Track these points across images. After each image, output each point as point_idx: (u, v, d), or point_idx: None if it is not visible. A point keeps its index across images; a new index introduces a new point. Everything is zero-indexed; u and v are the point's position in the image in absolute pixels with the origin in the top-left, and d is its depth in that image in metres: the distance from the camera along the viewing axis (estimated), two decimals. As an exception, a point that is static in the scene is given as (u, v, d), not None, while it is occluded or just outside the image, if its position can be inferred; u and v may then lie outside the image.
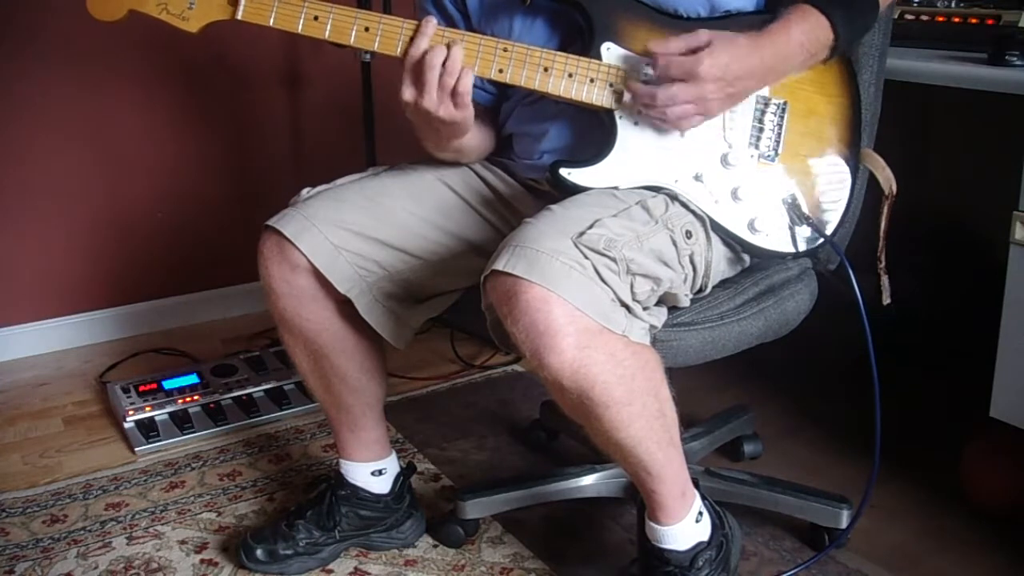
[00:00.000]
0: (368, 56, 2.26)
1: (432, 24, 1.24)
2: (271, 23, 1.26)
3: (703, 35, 1.21)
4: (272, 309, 1.43)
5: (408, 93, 1.25)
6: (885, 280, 1.41)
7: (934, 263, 2.16)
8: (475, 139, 1.41)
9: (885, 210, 1.40)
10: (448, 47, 1.23)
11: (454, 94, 1.24)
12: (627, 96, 1.26)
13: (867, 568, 1.53)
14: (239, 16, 1.26)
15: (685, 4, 1.30)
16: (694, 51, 1.20)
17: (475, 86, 1.43)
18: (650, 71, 1.27)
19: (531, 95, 1.38)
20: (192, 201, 2.50)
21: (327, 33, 1.26)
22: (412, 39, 1.24)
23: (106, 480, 1.83)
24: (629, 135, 1.28)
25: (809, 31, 1.25)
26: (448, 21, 1.39)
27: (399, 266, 1.41)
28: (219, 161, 2.53)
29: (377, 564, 1.57)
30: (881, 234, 1.40)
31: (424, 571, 1.55)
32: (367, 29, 1.25)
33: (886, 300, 1.40)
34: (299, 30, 1.26)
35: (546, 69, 1.27)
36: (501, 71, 1.27)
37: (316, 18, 1.25)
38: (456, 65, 1.22)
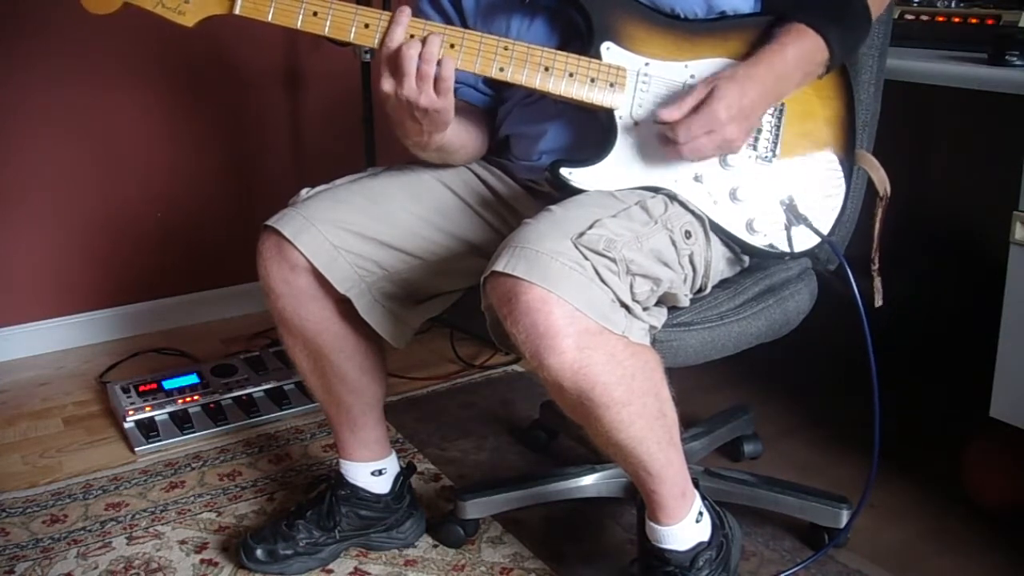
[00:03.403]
0: (368, 55, 2.26)
1: (407, 13, 1.23)
2: (269, 18, 1.23)
3: (701, 87, 1.22)
4: (272, 309, 1.43)
5: (387, 84, 1.23)
6: (878, 282, 1.41)
7: (934, 263, 2.15)
8: (458, 137, 1.39)
9: (879, 212, 1.40)
10: (424, 37, 1.21)
11: (437, 80, 1.22)
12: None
13: (867, 568, 1.53)
14: (237, 11, 1.23)
15: (682, 4, 1.30)
16: (703, 103, 1.21)
17: (469, 85, 1.43)
18: (651, 72, 1.27)
19: (530, 96, 1.38)
20: (192, 201, 2.51)
21: (327, 29, 1.24)
22: (387, 29, 1.23)
23: (106, 480, 1.83)
24: (629, 136, 1.28)
25: (805, 51, 1.25)
26: (445, 20, 1.39)
27: (398, 266, 1.41)
28: (219, 161, 2.53)
29: (377, 564, 1.57)
30: (875, 236, 1.41)
31: (424, 571, 1.55)
32: (367, 26, 1.24)
33: (879, 302, 1.40)
34: (298, 25, 1.23)
35: (547, 68, 1.27)
36: (502, 69, 1.26)
37: (315, 14, 1.23)
38: (433, 52, 1.21)
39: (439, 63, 1.21)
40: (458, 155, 1.44)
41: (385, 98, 1.25)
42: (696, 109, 1.21)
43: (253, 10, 1.23)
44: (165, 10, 1.23)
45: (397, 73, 1.22)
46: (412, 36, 1.22)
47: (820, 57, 1.26)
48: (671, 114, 1.21)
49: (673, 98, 1.25)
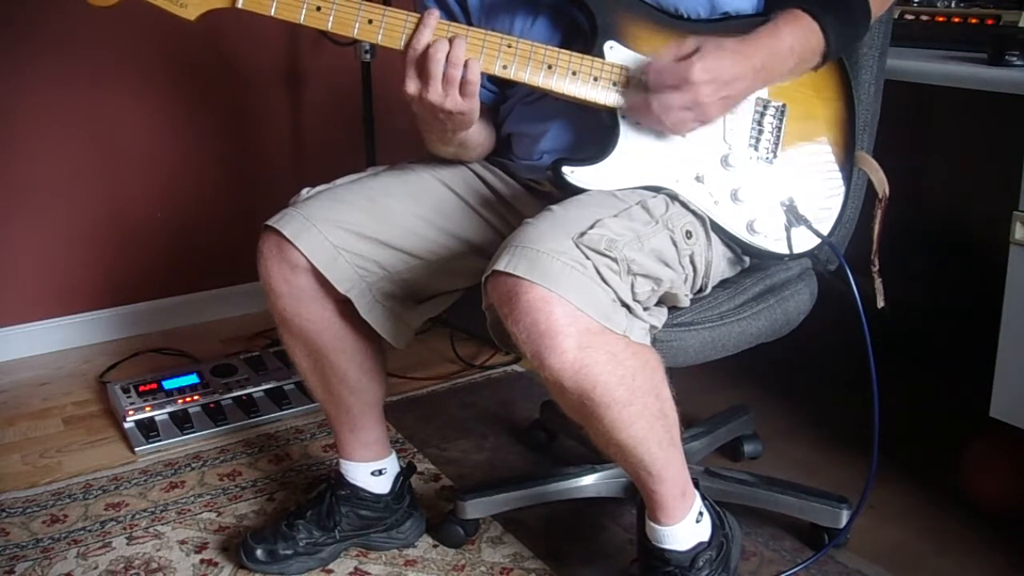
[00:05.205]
0: (368, 55, 2.26)
1: (435, 16, 1.23)
2: (272, 13, 1.22)
3: (691, 41, 1.21)
4: (272, 309, 1.43)
5: (412, 86, 1.24)
6: (879, 283, 1.41)
7: (934, 263, 2.16)
8: (479, 134, 1.40)
9: (878, 213, 1.40)
10: (450, 40, 1.22)
11: (463, 83, 1.23)
12: (624, 106, 1.26)
13: (867, 568, 1.53)
14: (239, 4, 1.22)
15: (686, 4, 1.30)
16: (685, 58, 1.20)
17: None
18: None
19: (531, 94, 1.38)
20: (192, 201, 2.51)
21: (330, 24, 1.23)
22: (415, 32, 1.23)
23: (106, 480, 1.83)
24: (631, 135, 1.28)
25: (800, 36, 1.25)
26: (449, 16, 1.39)
27: (399, 266, 1.41)
28: (219, 161, 2.53)
29: (377, 564, 1.57)
30: (874, 237, 1.41)
31: (424, 571, 1.55)
32: (370, 21, 1.23)
33: (880, 303, 1.40)
34: (301, 20, 1.23)
35: (550, 67, 1.26)
36: (505, 67, 1.26)
37: (319, 9, 1.22)
38: (460, 56, 1.21)
39: (465, 66, 1.22)
40: (476, 151, 1.44)
41: (410, 100, 1.25)
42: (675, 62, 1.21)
43: (256, 4, 1.22)
44: (167, 3, 1.23)
45: (423, 76, 1.22)
46: (437, 38, 1.22)
47: (816, 44, 1.25)
48: (650, 65, 1.22)
49: (668, 37, 1.25)
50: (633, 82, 1.26)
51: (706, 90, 1.19)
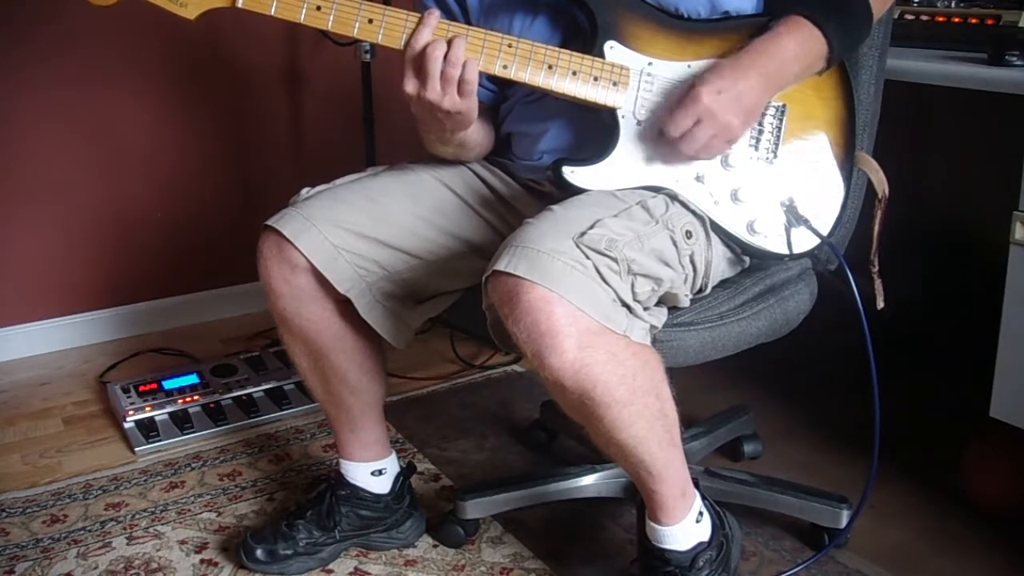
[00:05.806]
0: (368, 55, 2.26)
1: (435, 16, 1.23)
2: (272, 12, 1.22)
3: (689, 82, 1.23)
4: (272, 309, 1.43)
5: (410, 85, 1.24)
6: (879, 283, 1.41)
7: (934, 263, 2.16)
8: (478, 133, 1.40)
9: (878, 213, 1.40)
10: (449, 39, 1.22)
11: (461, 83, 1.23)
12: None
13: (867, 568, 1.53)
14: (239, 4, 1.22)
15: (686, 4, 1.31)
16: (686, 93, 1.21)
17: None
18: (654, 72, 1.27)
19: (531, 94, 1.38)
20: (192, 201, 2.51)
21: (330, 24, 1.23)
22: (414, 31, 1.23)
23: (106, 480, 1.83)
24: (631, 135, 1.28)
25: (803, 42, 1.25)
26: (448, 16, 1.39)
27: (398, 266, 1.41)
28: (219, 161, 2.53)
29: (377, 564, 1.57)
30: (874, 237, 1.41)
31: (424, 571, 1.55)
32: (371, 21, 1.24)
33: (880, 304, 1.40)
34: (301, 20, 1.23)
35: (550, 66, 1.26)
36: (505, 67, 1.26)
37: (319, 8, 1.23)
38: (459, 55, 1.21)
39: (463, 65, 1.22)
40: (475, 151, 1.44)
41: (409, 99, 1.25)
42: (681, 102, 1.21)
43: (256, 3, 1.23)
44: (167, 2, 1.23)
45: (421, 75, 1.22)
46: (435, 38, 1.22)
47: (818, 50, 1.26)
48: (662, 116, 1.23)
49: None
50: (641, 75, 1.27)
51: (720, 108, 1.20)
